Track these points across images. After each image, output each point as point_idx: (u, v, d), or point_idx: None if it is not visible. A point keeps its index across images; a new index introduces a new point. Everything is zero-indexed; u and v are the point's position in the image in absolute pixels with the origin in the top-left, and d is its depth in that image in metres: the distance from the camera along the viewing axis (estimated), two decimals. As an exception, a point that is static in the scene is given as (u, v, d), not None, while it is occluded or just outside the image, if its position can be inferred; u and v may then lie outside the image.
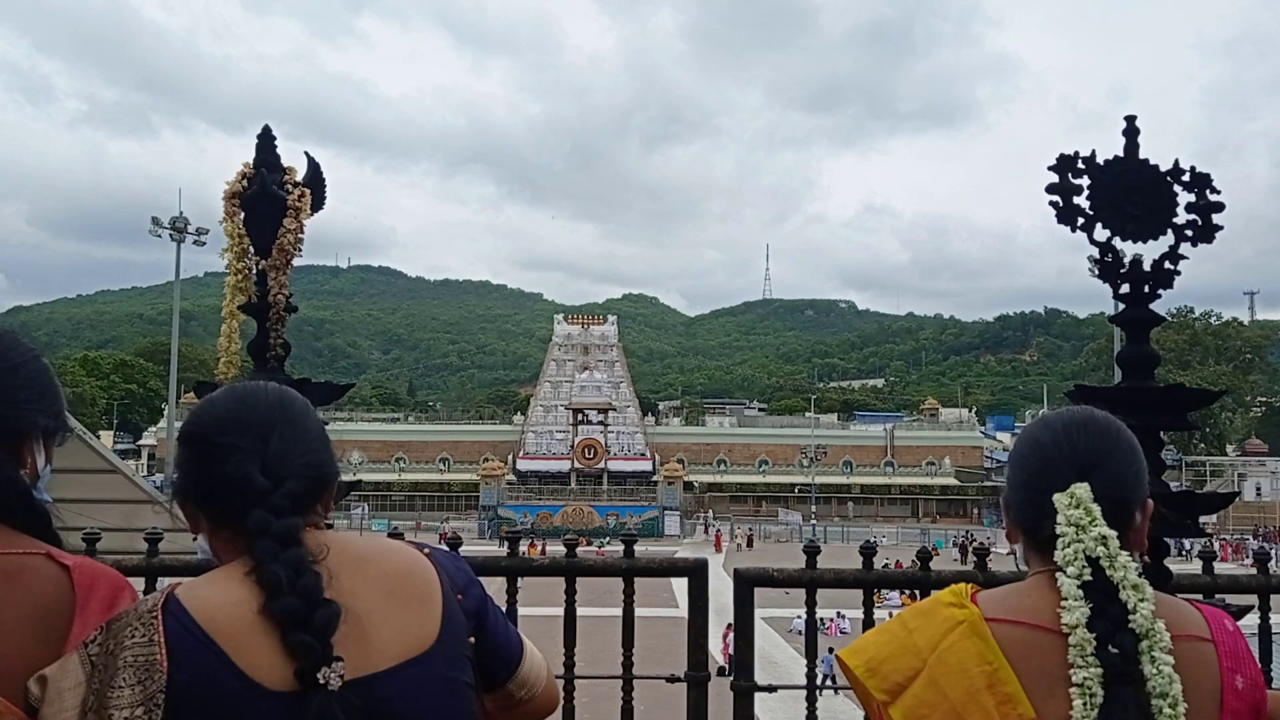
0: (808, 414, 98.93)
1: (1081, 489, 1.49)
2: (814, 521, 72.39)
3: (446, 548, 3.59)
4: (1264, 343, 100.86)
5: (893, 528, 67.99)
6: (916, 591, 3.72)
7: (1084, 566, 1.44)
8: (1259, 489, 73.84)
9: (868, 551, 3.75)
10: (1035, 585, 1.54)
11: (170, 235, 45.82)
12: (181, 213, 46.30)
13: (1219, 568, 3.82)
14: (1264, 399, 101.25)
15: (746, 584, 3.61)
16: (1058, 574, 1.47)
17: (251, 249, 3.26)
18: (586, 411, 79.75)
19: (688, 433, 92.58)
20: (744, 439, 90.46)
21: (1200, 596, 3.62)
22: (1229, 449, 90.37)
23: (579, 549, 3.77)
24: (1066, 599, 1.43)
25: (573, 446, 79.30)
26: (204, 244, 46.65)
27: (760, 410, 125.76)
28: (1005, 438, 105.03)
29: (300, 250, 3.23)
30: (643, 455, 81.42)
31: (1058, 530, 1.48)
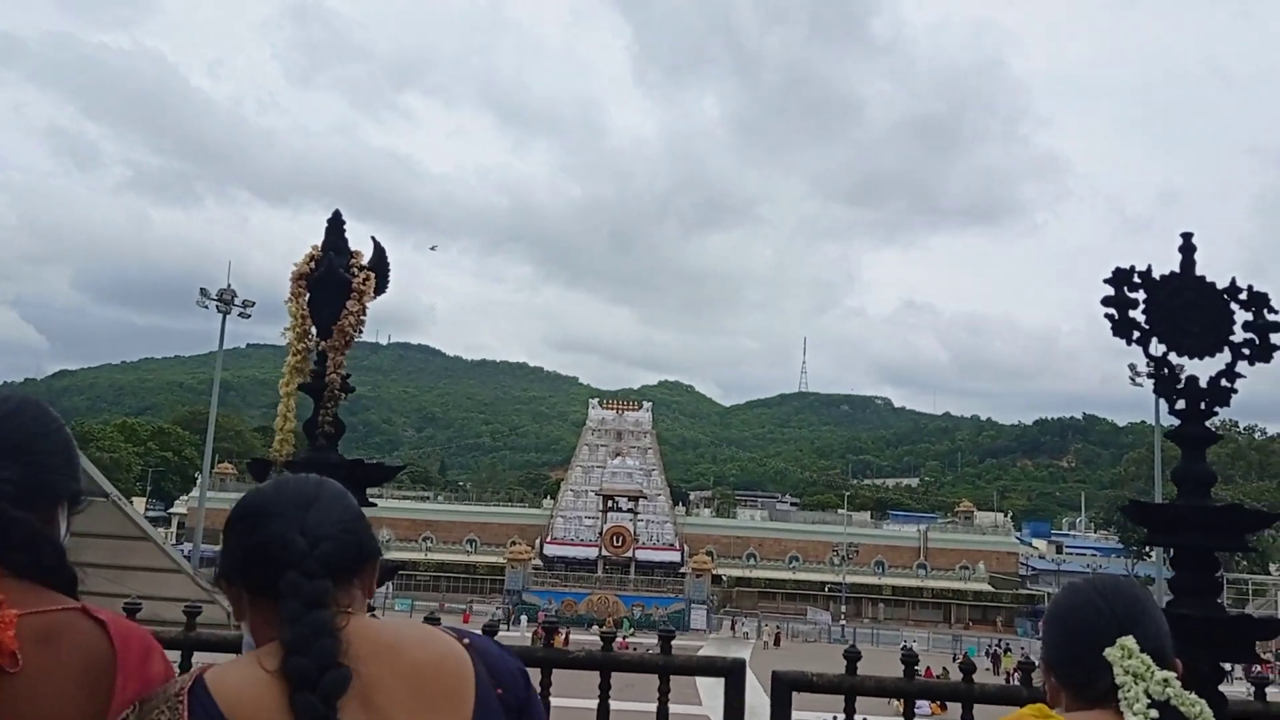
0: (840, 511, 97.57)
1: (1130, 641, 1.58)
2: (843, 622, 70.99)
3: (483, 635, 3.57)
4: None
5: (924, 632, 66.44)
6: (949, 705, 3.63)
7: (1149, 706, 1.53)
8: (1302, 610, 71.78)
9: (909, 660, 3.68)
10: (1100, 714, 1.60)
11: (217, 307, 46.70)
12: (229, 285, 47.22)
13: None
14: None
15: (785, 687, 3.54)
16: (1124, 711, 1.55)
17: (314, 330, 3.30)
18: (617, 498, 79.18)
19: (718, 524, 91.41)
20: (775, 534, 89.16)
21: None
22: (1272, 568, 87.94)
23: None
24: None
25: (601, 533, 78.60)
26: (249, 316, 47.50)
27: (793, 505, 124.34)
28: (1041, 544, 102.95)
29: (361, 332, 3.28)
30: (671, 545, 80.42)
31: (1117, 680, 1.57)
